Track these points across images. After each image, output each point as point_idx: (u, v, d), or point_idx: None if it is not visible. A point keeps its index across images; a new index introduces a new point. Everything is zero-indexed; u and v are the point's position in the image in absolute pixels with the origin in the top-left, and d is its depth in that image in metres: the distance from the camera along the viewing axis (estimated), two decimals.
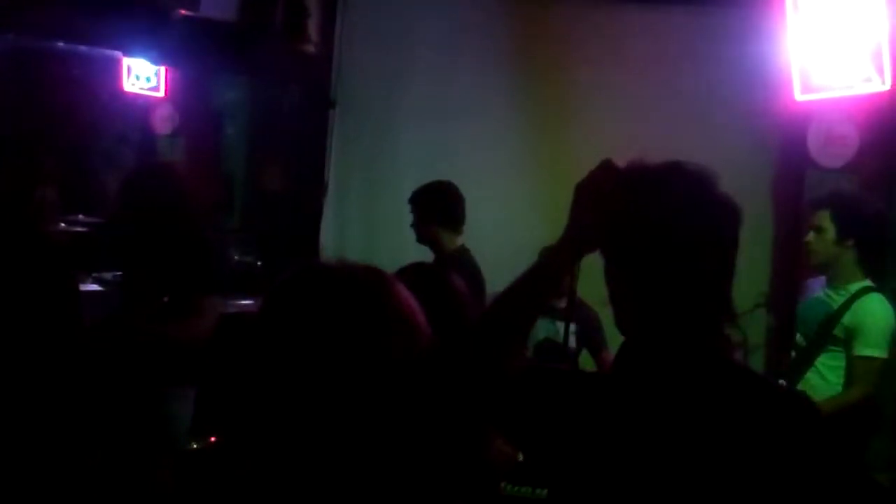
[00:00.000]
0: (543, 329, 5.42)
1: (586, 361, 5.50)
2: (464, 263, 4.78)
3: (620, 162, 1.80)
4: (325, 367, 1.53)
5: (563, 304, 5.13)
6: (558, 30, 6.37)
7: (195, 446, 3.27)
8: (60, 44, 6.44)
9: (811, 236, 4.26)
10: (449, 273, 2.55)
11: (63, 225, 5.77)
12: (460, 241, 5.07)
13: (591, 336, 5.33)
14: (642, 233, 1.69)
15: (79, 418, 3.30)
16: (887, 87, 5.02)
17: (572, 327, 5.25)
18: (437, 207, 5.07)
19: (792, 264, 5.79)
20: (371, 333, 1.55)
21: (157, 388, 3.74)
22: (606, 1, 6.30)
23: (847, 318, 4.13)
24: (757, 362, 5.75)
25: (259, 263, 6.25)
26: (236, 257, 6.38)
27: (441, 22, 6.47)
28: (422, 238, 5.10)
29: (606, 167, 1.77)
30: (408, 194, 6.50)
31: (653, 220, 1.69)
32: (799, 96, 5.39)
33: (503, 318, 1.79)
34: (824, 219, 4.21)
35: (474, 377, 1.77)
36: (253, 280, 6.08)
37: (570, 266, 1.82)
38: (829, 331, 4.18)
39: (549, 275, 1.80)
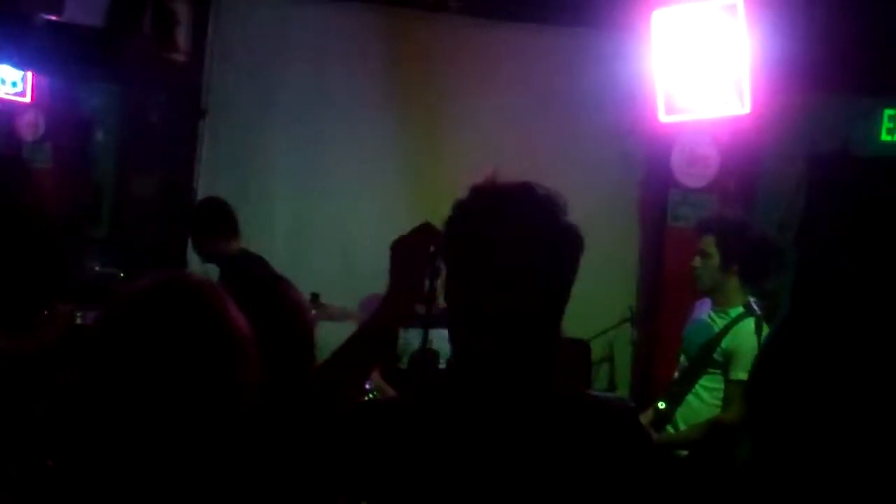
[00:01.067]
0: (417, 338, 5.43)
1: None
2: (248, 262, 5.09)
3: (481, 177, 1.78)
4: (154, 385, 1.55)
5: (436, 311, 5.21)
6: (429, 44, 6.42)
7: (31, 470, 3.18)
8: None
9: (697, 261, 4.31)
10: (279, 281, 2.58)
11: None
12: (239, 244, 5.27)
13: None
14: (479, 256, 1.68)
15: None
16: (747, 110, 5.18)
17: (444, 332, 5.27)
18: (206, 219, 5.32)
19: (656, 279, 5.94)
20: (201, 355, 1.57)
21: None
22: (478, 18, 6.36)
23: (725, 342, 4.21)
24: (623, 375, 5.88)
25: (122, 274, 6.10)
26: (97, 268, 6.22)
27: (313, 33, 6.44)
28: (204, 255, 5.30)
29: (424, 230, 1.80)
30: (278, 204, 6.47)
31: (494, 242, 1.66)
32: (663, 117, 5.53)
33: (339, 376, 1.85)
34: (709, 244, 4.27)
35: (311, 426, 1.79)
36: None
37: (399, 321, 1.92)
38: (710, 354, 4.25)
39: (379, 331, 1.88)
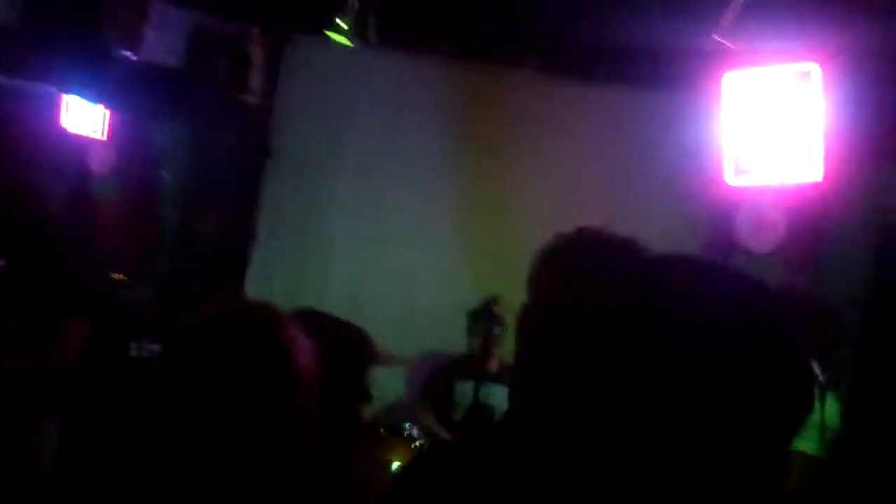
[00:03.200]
0: (471, 391, 5.38)
1: None
2: None
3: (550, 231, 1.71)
4: (215, 418, 1.50)
5: (493, 367, 5.15)
6: (503, 99, 6.43)
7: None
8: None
9: None
10: (340, 319, 2.54)
11: None
12: None
13: None
14: (580, 295, 1.52)
15: None
16: (818, 176, 5.08)
17: (500, 389, 5.22)
18: None
19: None
20: (261, 376, 1.53)
21: (16, 419, 3.65)
22: (550, 75, 6.36)
23: None
24: None
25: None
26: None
27: (385, 82, 6.49)
28: None
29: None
30: (337, 250, 6.47)
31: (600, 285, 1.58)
32: (730, 179, 5.44)
33: None
34: None
35: None
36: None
37: None
38: None
39: None
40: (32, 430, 3.76)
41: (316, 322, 2.21)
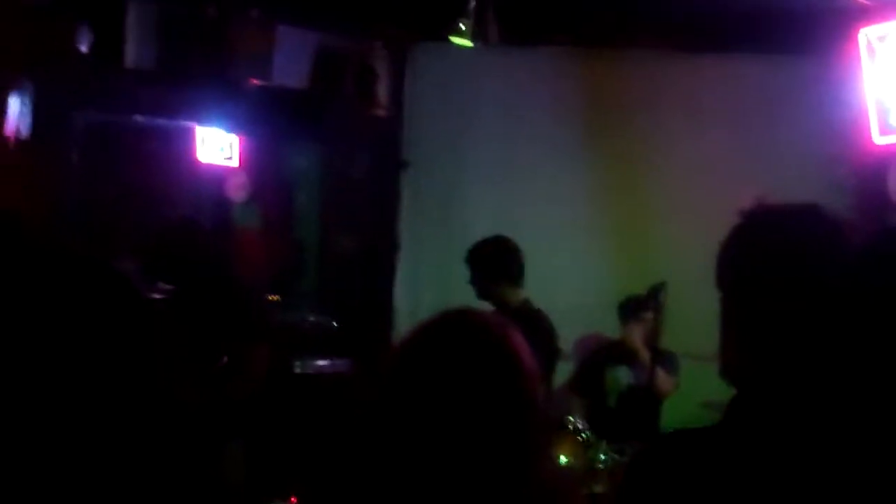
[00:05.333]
0: (625, 376, 5.37)
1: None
2: (529, 317, 4.68)
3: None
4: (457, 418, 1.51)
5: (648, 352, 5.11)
6: (626, 83, 6.32)
7: None
8: (137, 117, 6.58)
9: None
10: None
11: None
12: (523, 294, 4.96)
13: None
14: (785, 268, 1.56)
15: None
16: None
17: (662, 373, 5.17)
18: (497, 263, 4.95)
19: None
20: (500, 385, 1.54)
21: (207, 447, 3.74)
22: (677, 52, 6.23)
23: None
24: None
25: (334, 324, 6.26)
26: (311, 318, 6.41)
27: (503, 79, 6.46)
28: (484, 294, 4.88)
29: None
30: None
31: (804, 257, 1.57)
32: (877, 139, 5.28)
33: None
34: None
35: None
36: (329, 341, 6.13)
37: None
38: None
39: None
40: (221, 455, 3.87)
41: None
